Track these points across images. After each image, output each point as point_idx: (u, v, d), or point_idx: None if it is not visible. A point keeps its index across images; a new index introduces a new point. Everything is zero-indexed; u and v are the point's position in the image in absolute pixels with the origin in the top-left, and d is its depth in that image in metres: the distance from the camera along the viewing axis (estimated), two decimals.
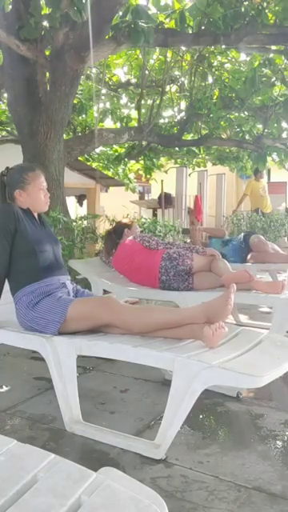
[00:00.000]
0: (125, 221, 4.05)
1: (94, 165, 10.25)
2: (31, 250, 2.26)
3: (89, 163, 10.03)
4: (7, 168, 2.43)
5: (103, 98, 7.78)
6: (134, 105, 8.03)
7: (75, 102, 6.90)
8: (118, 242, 3.71)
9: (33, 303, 2.19)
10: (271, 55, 6.48)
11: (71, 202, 10.96)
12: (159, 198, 9.62)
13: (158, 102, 7.01)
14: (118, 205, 7.90)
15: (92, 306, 2.18)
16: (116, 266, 3.66)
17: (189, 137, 8.46)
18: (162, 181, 9.48)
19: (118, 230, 3.81)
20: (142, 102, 7.13)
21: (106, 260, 3.85)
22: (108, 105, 8.09)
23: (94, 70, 7.44)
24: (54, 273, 2.31)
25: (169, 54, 6.93)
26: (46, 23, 4.75)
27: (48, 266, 2.29)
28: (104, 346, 2.01)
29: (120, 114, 8.16)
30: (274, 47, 5.94)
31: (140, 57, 7.16)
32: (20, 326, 2.28)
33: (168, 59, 7.00)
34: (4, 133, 8.32)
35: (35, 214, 2.42)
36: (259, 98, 7.11)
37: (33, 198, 2.37)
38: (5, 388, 2.59)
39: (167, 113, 8.35)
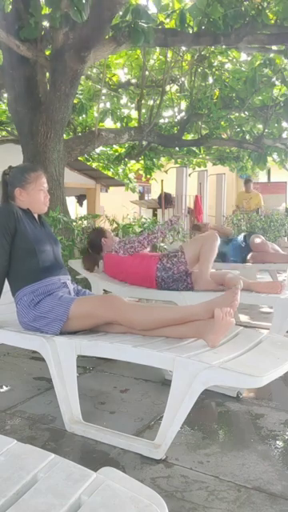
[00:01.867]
0: (96, 229, 3.80)
1: (94, 165, 10.25)
2: (31, 249, 2.26)
3: (89, 163, 10.04)
4: (10, 167, 2.44)
5: (103, 98, 7.78)
6: (134, 105, 8.03)
7: (75, 102, 6.90)
8: (99, 256, 3.56)
9: (34, 303, 2.19)
10: (271, 55, 6.48)
11: (71, 202, 10.97)
12: (159, 197, 9.62)
13: (158, 102, 7.02)
14: (117, 205, 7.91)
15: (95, 304, 2.17)
16: (110, 275, 3.55)
17: (189, 137, 8.47)
18: (162, 181, 9.48)
19: (95, 245, 3.57)
20: (142, 101, 7.14)
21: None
22: (108, 105, 8.09)
23: (94, 70, 7.44)
24: (55, 272, 2.31)
25: (169, 54, 6.94)
26: (46, 23, 4.76)
27: (48, 266, 2.29)
28: (104, 346, 2.01)
29: (120, 114, 8.16)
30: (274, 47, 5.94)
31: (140, 57, 7.16)
32: (20, 325, 2.27)
33: (168, 59, 7.00)
34: (4, 133, 8.33)
35: (35, 215, 2.42)
36: (259, 98, 7.12)
37: (32, 197, 2.37)
38: (5, 388, 2.59)
39: (167, 113, 8.36)
